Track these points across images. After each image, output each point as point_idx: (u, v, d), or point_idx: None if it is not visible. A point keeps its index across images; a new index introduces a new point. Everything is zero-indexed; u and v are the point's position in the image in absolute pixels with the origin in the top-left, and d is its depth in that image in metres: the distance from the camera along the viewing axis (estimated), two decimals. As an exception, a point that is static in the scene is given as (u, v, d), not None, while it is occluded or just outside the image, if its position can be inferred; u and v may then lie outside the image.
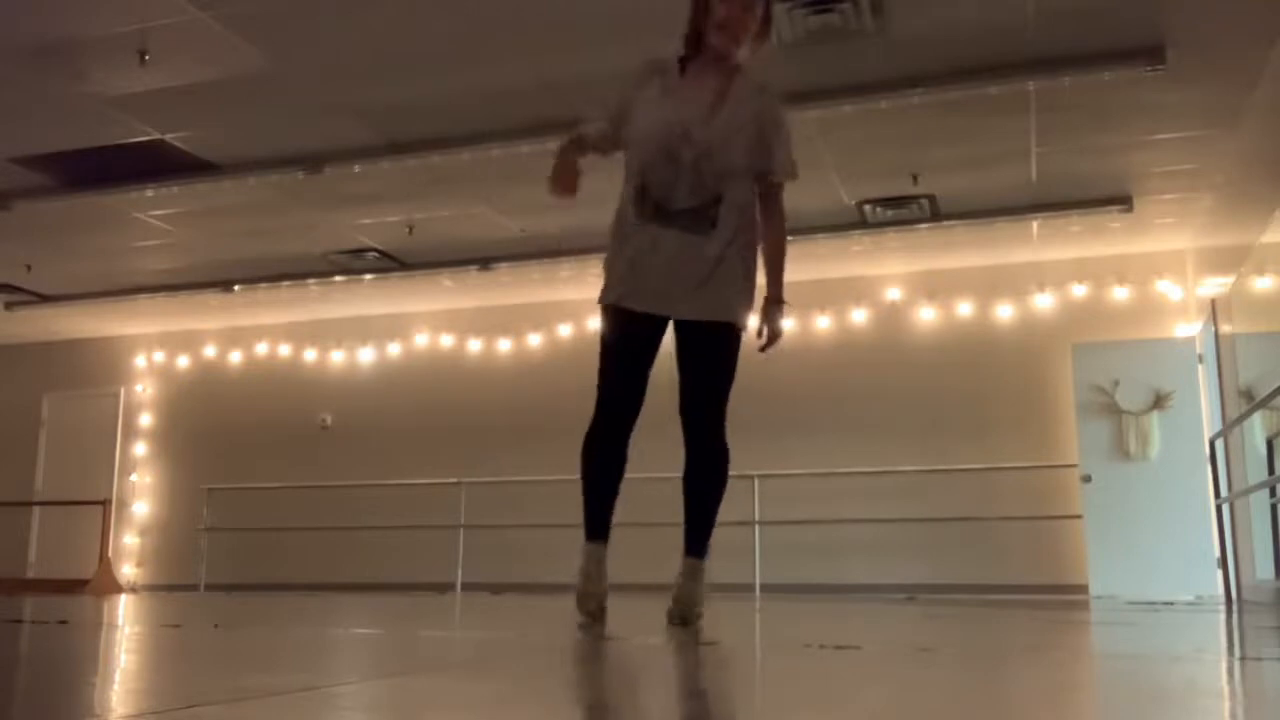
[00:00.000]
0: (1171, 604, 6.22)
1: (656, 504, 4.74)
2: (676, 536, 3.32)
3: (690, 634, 2.75)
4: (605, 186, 3.35)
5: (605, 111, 3.27)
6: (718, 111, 3.16)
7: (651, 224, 3.14)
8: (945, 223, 8.41)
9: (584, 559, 3.27)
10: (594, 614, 3.15)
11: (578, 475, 3.30)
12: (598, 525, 3.29)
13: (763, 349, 3.26)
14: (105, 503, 11.11)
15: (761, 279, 3.28)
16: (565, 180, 3.26)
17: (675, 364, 3.25)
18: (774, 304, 3.27)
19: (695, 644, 2.40)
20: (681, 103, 3.16)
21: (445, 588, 9.70)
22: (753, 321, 3.27)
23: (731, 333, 3.21)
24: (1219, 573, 7.82)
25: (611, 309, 3.22)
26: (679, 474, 3.29)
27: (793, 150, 3.31)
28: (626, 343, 3.21)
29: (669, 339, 3.25)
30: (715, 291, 3.16)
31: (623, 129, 3.22)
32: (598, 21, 5.46)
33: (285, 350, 11.52)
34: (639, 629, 3.00)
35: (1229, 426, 7.58)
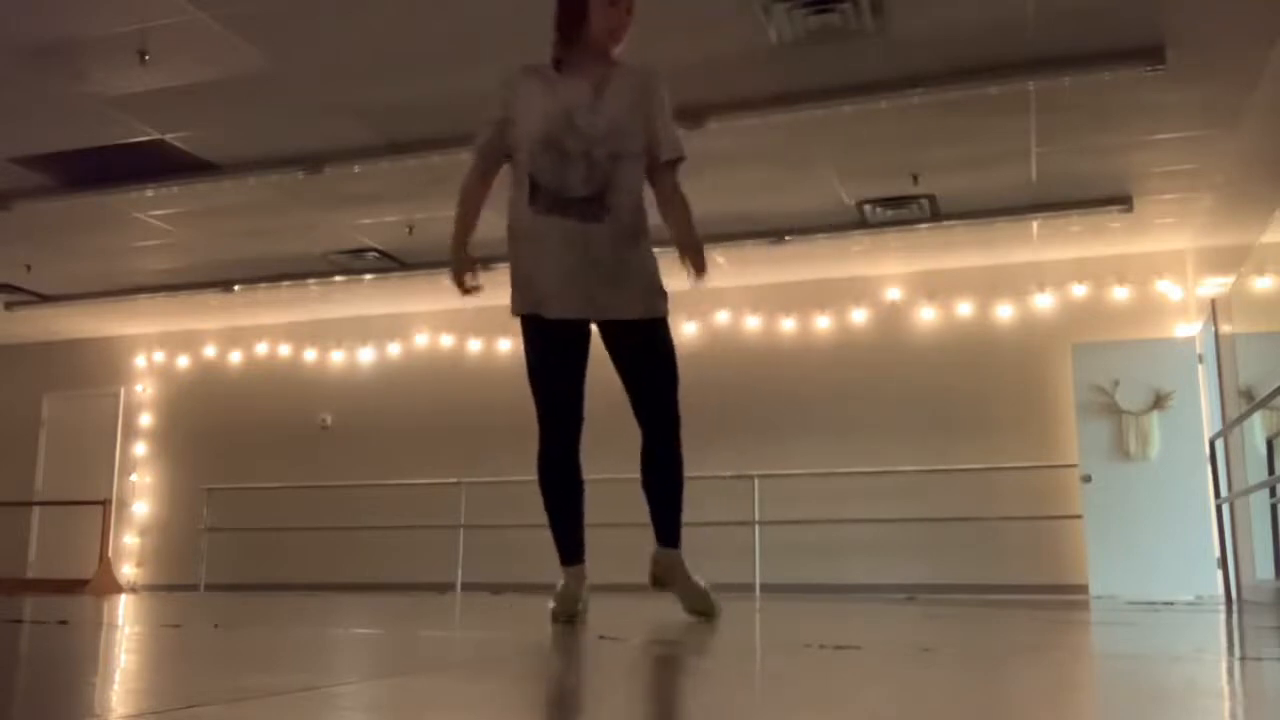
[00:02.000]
0: (1171, 604, 6.22)
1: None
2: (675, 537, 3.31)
3: (714, 624, 2.78)
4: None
5: (490, 119, 3.23)
6: (601, 96, 3.15)
7: (549, 216, 3.11)
8: (945, 223, 8.42)
9: (565, 580, 3.24)
10: (566, 619, 3.14)
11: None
12: (572, 549, 3.25)
13: (698, 279, 3.18)
14: (105, 503, 11.11)
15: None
16: (466, 272, 3.23)
17: (612, 365, 3.21)
18: (689, 249, 3.19)
19: (690, 643, 2.40)
20: (563, 94, 3.15)
21: (445, 588, 9.70)
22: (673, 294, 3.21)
23: (659, 324, 3.20)
24: (1219, 573, 7.82)
25: (531, 319, 3.18)
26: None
27: (675, 128, 3.27)
28: (557, 351, 3.18)
29: (597, 339, 3.23)
30: (632, 287, 3.14)
31: (509, 132, 3.19)
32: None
33: (285, 350, 11.53)
34: (637, 629, 3.00)
35: (1229, 426, 7.58)
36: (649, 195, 3.25)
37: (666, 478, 3.25)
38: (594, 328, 3.23)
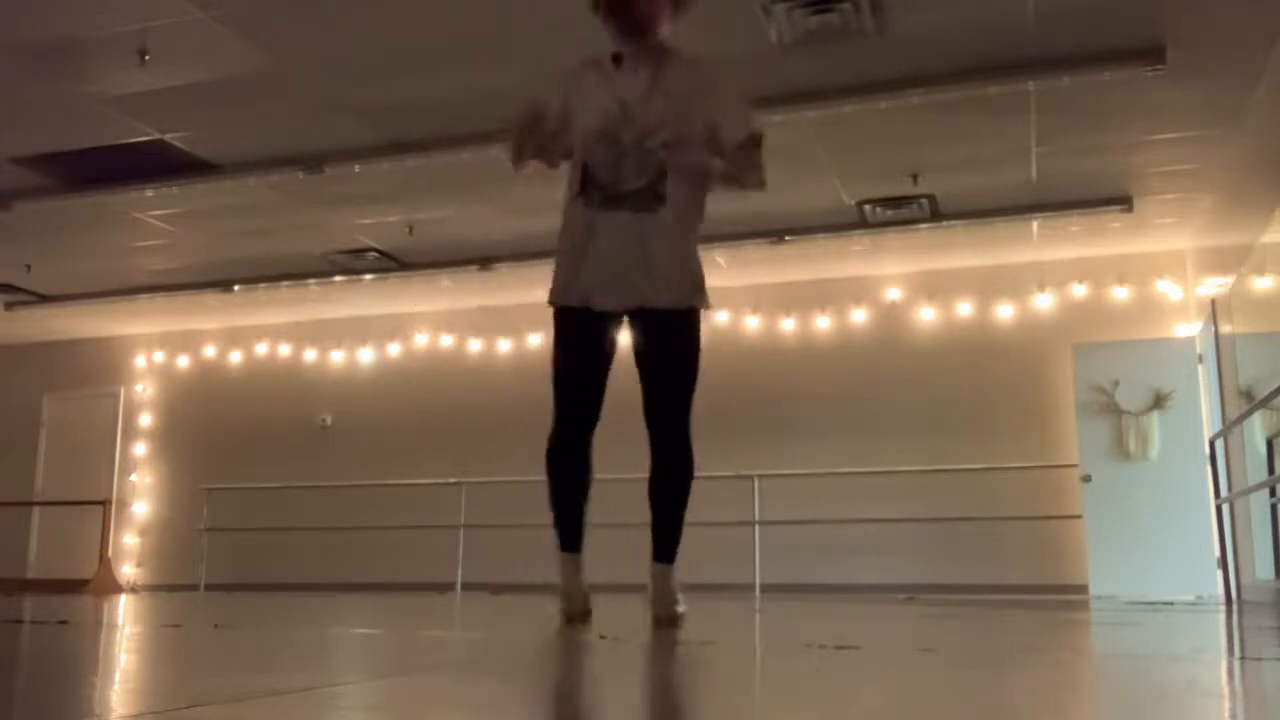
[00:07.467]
0: (1171, 604, 6.22)
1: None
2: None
3: (678, 634, 2.75)
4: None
5: (553, 110, 3.23)
6: (654, 89, 3.15)
7: (601, 210, 3.10)
8: (945, 223, 8.41)
9: (561, 571, 3.19)
10: (579, 618, 3.11)
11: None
12: (571, 537, 3.21)
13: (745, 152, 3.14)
14: (105, 503, 11.11)
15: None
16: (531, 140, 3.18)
17: (635, 364, 3.15)
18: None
19: (691, 643, 2.40)
20: (619, 88, 3.17)
21: (445, 588, 9.70)
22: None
23: (693, 318, 3.14)
24: (1219, 573, 7.82)
25: (573, 311, 3.16)
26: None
27: (740, 108, 3.24)
28: (584, 345, 3.16)
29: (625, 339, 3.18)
30: (671, 276, 3.09)
31: (570, 128, 3.20)
32: (598, 21, 5.45)
33: (285, 350, 11.52)
34: (638, 629, 2.99)
35: (1229, 426, 7.58)
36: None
37: (677, 499, 3.17)
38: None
